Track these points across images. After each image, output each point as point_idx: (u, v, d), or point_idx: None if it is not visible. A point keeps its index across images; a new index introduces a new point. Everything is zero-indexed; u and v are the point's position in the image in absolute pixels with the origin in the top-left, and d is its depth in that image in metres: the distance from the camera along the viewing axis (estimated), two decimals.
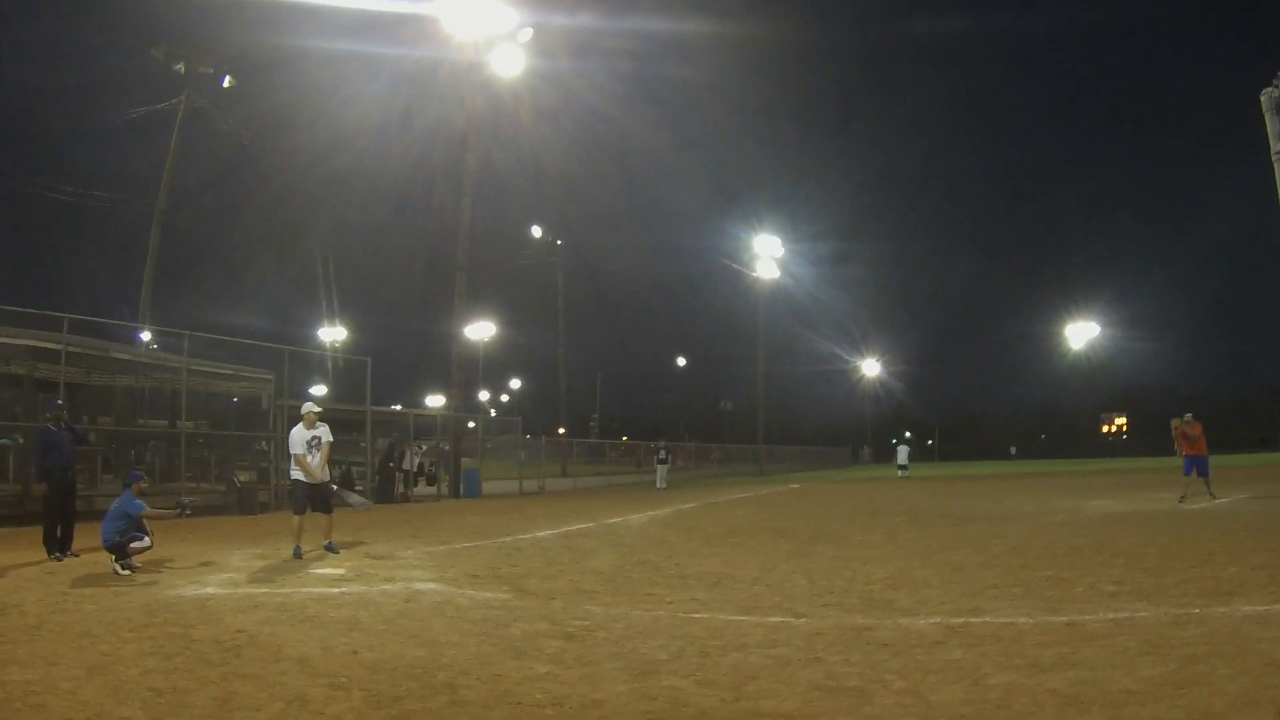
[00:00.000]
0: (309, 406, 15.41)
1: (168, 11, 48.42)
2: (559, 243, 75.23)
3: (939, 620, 8.92)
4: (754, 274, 78.61)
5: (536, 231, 74.32)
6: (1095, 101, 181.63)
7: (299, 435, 15.17)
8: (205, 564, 13.95)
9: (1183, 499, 22.38)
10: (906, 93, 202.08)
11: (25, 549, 14.81)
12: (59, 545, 14.28)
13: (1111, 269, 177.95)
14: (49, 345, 21.76)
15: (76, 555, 14.23)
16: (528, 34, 37.15)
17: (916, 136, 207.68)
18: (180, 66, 42.03)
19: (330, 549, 15.23)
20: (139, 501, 13.49)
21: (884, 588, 11.14)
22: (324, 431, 15.23)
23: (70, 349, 21.74)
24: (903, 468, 55.76)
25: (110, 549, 12.93)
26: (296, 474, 15.23)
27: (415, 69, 38.30)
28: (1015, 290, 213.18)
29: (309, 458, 15.04)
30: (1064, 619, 8.73)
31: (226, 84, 43.98)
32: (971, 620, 8.85)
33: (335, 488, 16.26)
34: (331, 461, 16.00)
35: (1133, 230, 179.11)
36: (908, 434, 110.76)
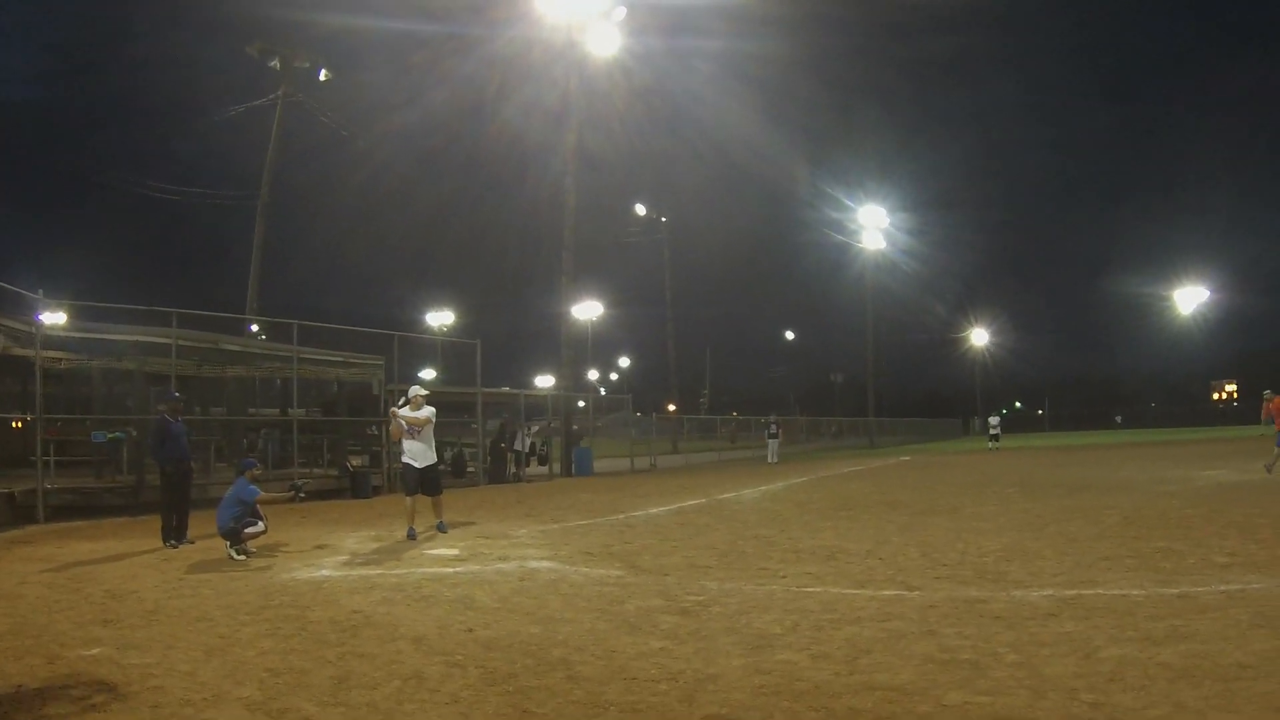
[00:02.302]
0: (415, 390, 15.65)
1: (260, 2, 49.00)
2: (663, 219, 75.11)
3: (1052, 592, 8.92)
4: (859, 245, 78.15)
5: (640, 209, 74.28)
6: (1206, 55, 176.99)
7: (402, 415, 15.46)
8: (320, 547, 14.22)
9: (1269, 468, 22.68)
10: (1013, 54, 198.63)
11: (141, 537, 15.21)
12: (174, 533, 14.58)
13: (1219, 232, 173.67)
14: (159, 340, 22.15)
15: (192, 543, 14.49)
16: (621, 13, 37.06)
17: (1023, 98, 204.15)
18: (275, 62, 42.38)
19: (440, 529, 15.47)
20: (253, 488, 13.78)
21: (997, 560, 11.13)
22: (426, 412, 15.38)
23: (180, 342, 22.11)
24: (994, 438, 55.45)
25: (225, 535, 13.22)
26: (406, 458, 15.50)
27: (513, 50, 38.47)
28: (1122, 257, 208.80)
29: (407, 435, 15.34)
30: (1176, 591, 8.71)
31: (323, 77, 44.28)
32: (1084, 592, 8.84)
33: (444, 467, 16.50)
34: (442, 443, 16.18)
35: (1243, 193, 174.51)
36: (1008, 409, 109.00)
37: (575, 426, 40.24)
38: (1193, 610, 7.84)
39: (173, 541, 14.38)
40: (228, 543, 13.20)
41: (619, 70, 40.05)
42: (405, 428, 15.26)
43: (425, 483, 15.42)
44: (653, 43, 42.22)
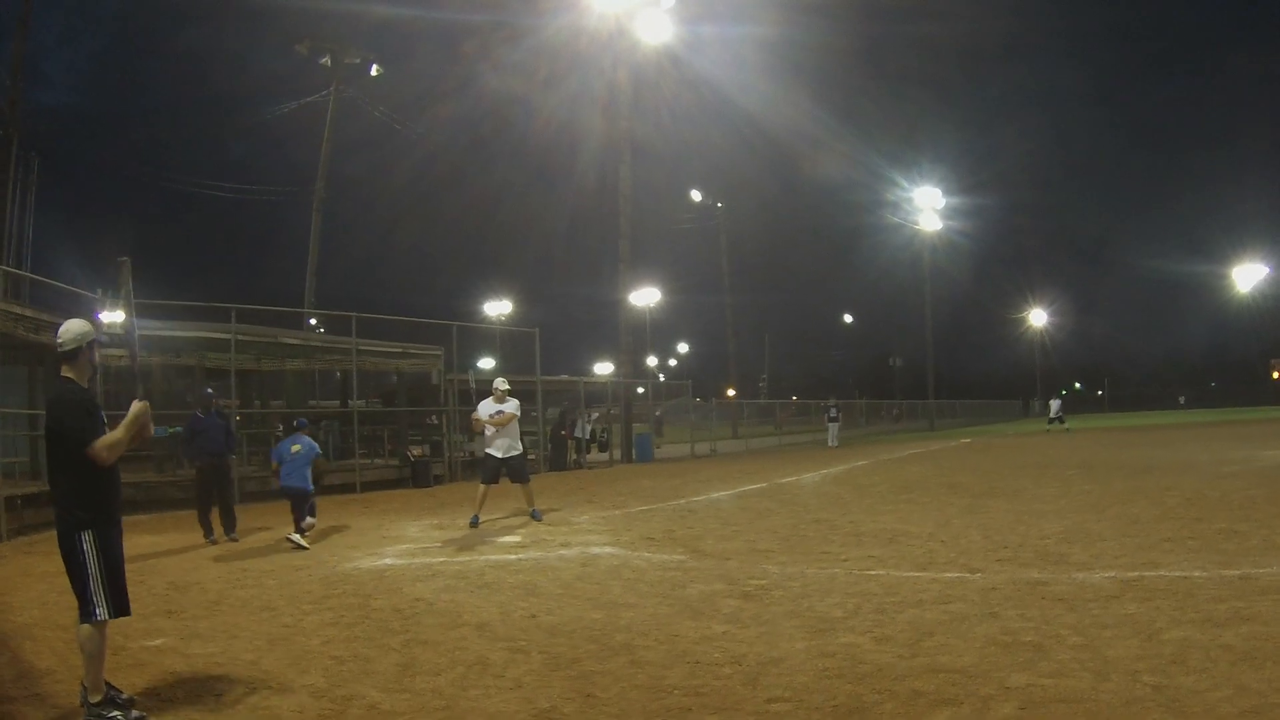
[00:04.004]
0: (498, 383, 15.63)
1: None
2: (719, 205, 74.95)
3: (1114, 574, 8.90)
4: (916, 227, 77.61)
5: (696, 195, 74.14)
6: (1261, 28, 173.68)
7: (485, 407, 15.47)
8: (383, 536, 14.35)
9: None
10: (1066, 36, 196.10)
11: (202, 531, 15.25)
12: (223, 528, 14.47)
13: (1278, 208, 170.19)
14: (219, 335, 22.34)
15: (236, 540, 14.26)
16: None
17: (1078, 77, 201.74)
18: (326, 59, 42.49)
19: (535, 516, 15.50)
20: (313, 441, 14.21)
21: (1058, 542, 11.10)
22: (510, 405, 15.37)
23: (240, 337, 22.27)
24: (1057, 420, 54.90)
25: (302, 497, 13.58)
26: (488, 448, 15.51)
27: (566, 38, 38.42)
28: (1180, 235, 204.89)
29: (488, 428, 15.33)
30: (1238, 573, 8.66)
31: (374, 72, 44.38)
32: (1146, 574, 8.82)
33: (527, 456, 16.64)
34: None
35: None
36: (1067, 390, 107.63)
37: (658, 413, 40.39)
38: (1255, 592, 7.81)
39: (211, 538, 14.29)
40: (297, 525, 13.46)
41: (669, 58, 40.03)
42: (486, 423, 15.32)
43: (511, 471, 15.44)
44: (703, 30, 42.10)
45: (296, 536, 13.22)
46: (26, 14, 31.13)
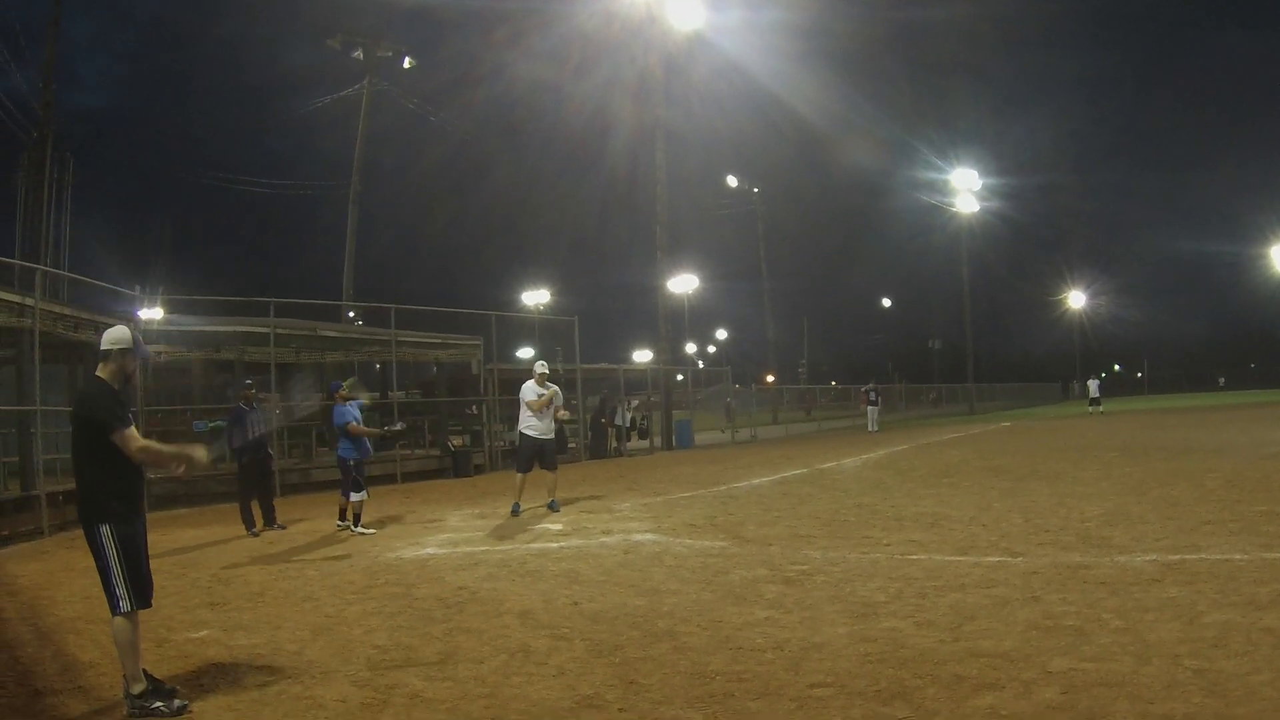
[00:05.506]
0: (540, 366, 15.62)
1: None
2: (755, 190, 74.62)
3: (1155, 558, 8.88)
4: (953, 209, 77.09)
5: (732, 181, 73.82)
6: None
7: (531, 387, 15.39)
8: (424, 525, 14.43)
9: None
10: (1103, 14, 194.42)
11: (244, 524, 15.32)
12: (264, 520, 14.54)
13: None
14: (257, 329, 22.59)
15: (284, 528, 14.46)
16: None
17: (1114, 59, 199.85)
18: (359, 53, 42.53)
19: (553, 507, 15.36)
20: (347, 409, 14.21)
21: (1100, 525, 11.08)
22: (551, 390, 15.34)
23: (279, 331, 22.49)
24: (1095, 401, 54.55)
25: (357, 469, 13.80)
26: (527, 429, 15.41)
27: (598, 24, 38.33)
28: (1218, 215, 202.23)
29: (540, 411, 15.20)
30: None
31: (407, 65, 44.36)
32: (1187, 557, 8.79)
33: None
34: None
35: None
36: (1106, 373, 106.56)
37: (728, 399, 40.42)
38: None
39: (254, 530, 14.31)
40: (356, 512, 13.80)
41: (701, 44, 39.93)
42: (536, 402, 15.21)
43: (543, 457, 15.42)
44: (734, 16, 41.88)
45: (365, 530, 13.55)
46: (57, 16, 31.33)
